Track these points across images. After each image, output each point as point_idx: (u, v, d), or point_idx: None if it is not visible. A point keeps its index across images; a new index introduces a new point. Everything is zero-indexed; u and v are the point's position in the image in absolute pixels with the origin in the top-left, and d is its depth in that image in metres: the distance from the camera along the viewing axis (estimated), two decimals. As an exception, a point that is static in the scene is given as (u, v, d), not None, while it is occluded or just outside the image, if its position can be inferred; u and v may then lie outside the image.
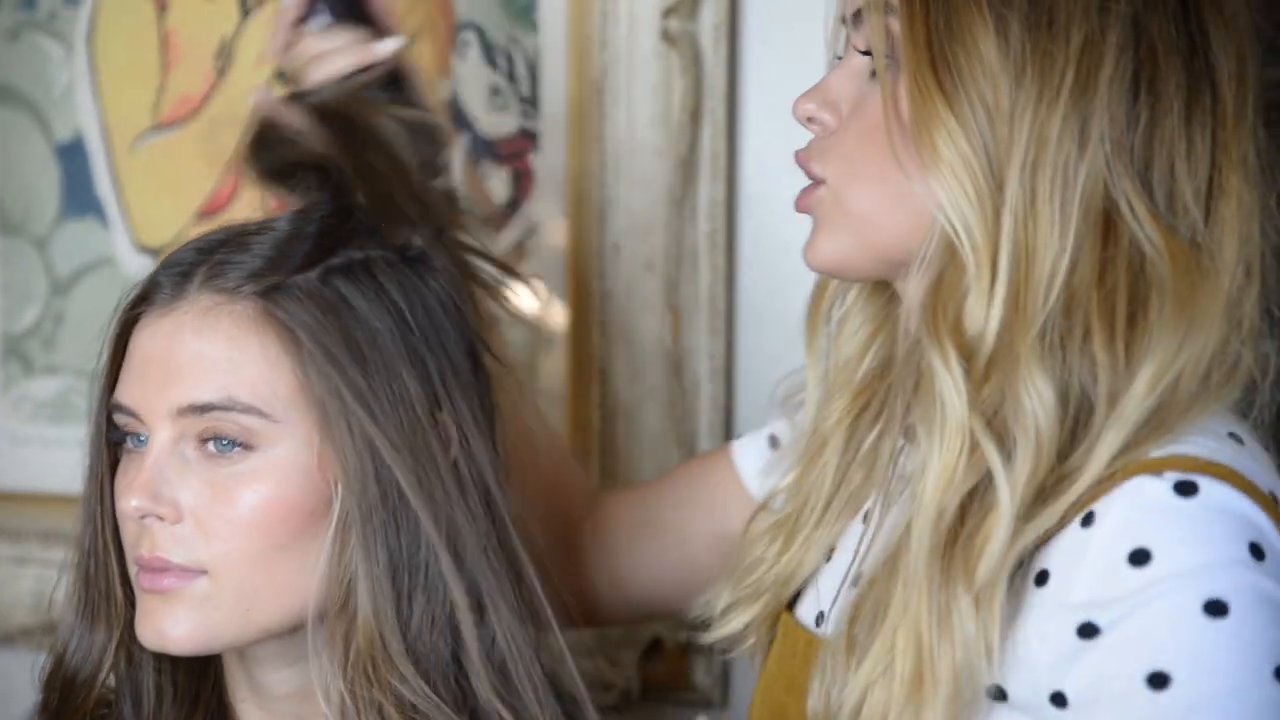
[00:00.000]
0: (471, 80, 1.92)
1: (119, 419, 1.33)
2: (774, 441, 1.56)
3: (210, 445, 1.29)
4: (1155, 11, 1.20)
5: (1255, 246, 1.22)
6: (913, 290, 1.28)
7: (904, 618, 1.20)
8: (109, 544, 1.35)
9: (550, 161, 1.90)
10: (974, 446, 1.19)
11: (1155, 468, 1.17)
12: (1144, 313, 1.19)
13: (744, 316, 1.86)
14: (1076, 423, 1.19)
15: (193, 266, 1.32)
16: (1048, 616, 1.18)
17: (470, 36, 1.91)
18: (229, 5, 1.98)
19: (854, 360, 1.40)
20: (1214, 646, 1.13)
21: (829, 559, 1.39)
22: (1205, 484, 1.16)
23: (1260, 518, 1.16)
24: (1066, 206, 1.18)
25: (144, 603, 1.31)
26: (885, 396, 1.36)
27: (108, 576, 1.35)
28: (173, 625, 1.30)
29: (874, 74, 1.26)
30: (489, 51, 1.91)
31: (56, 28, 2.06)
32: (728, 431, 1.86)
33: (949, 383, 1.19)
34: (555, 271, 1.91)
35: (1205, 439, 1.19)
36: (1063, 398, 1.18)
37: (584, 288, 1.88)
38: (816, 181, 1.30)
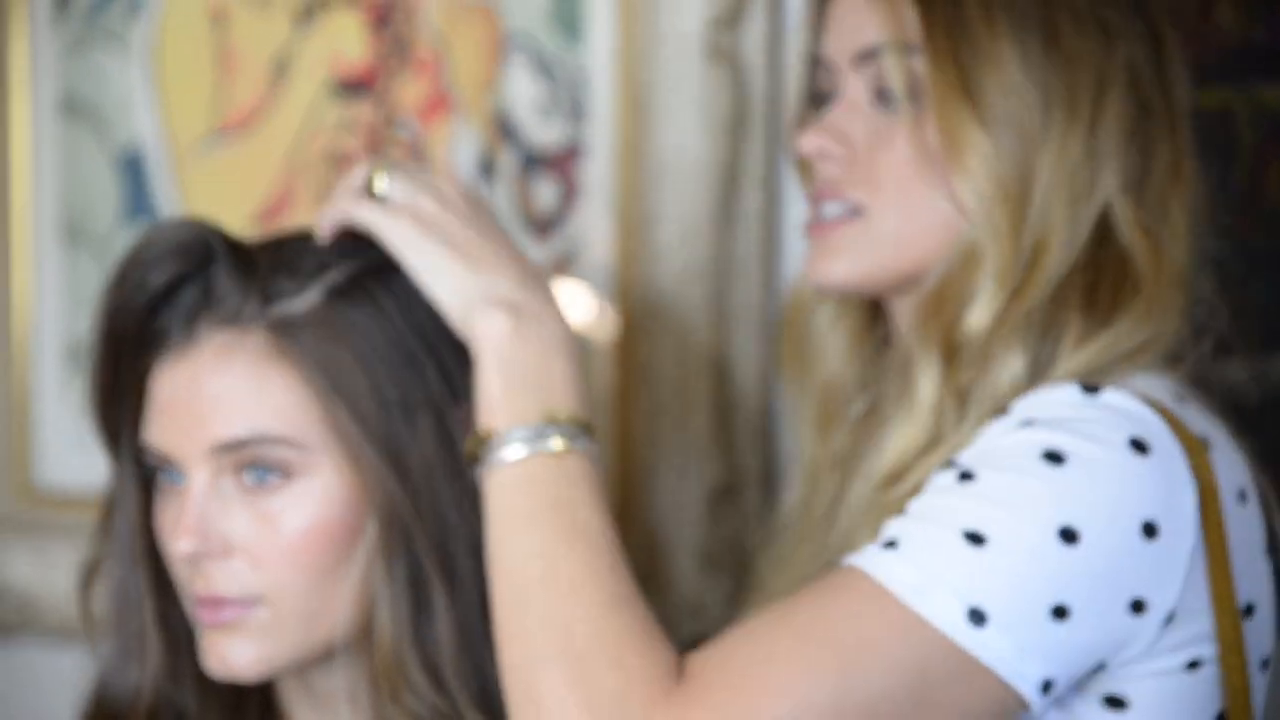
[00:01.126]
0: (519, 92, 1.94)
1: (149, 459, 1.35)
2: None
3: (246, 476, 1.31)
4: (1142, 47, 1.34)
5: (1191, 247, 1.36)
6: (914, 298, 1.36)
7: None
8: (144, 584, 1.38)
9: (597, 173, 1.92)
10: (938, 420, 1.30)
11: (1069, 378, 1.28)
12: (1122, 304, 1.31)
13: (787, 325, 1.87)
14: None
15: (197, 306, 1.33)
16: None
17: (518, 49, 1.94)
18: (282, 19, 2.01)
19: (839, 376, 1.47)
20: (1025, 480, 1.21)
21: None
22: (1109, 390, 1.26)
23: (1161, 429, 1.24)
24: (1078, 217, 1.31)
25: (206, 636, 1.34)
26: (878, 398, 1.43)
27: (141, 618, 1.38)
28: (238, 656, 1.32)
29: (884, 111, 1.35)
30: (537, 64, 1.93)
31: (118, 38, 2.10)
32: (772, 438, 1.88)
33: (927, 373, 1.31)
34: (601, 281, 1.92)
35: (1139, 381, 1.29)
36: (1030, 368, 1.30)
37: (630, 297, 1.89)
38: (849, 209, 1.36)
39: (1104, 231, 1.32)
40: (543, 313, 1.30)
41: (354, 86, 1.99)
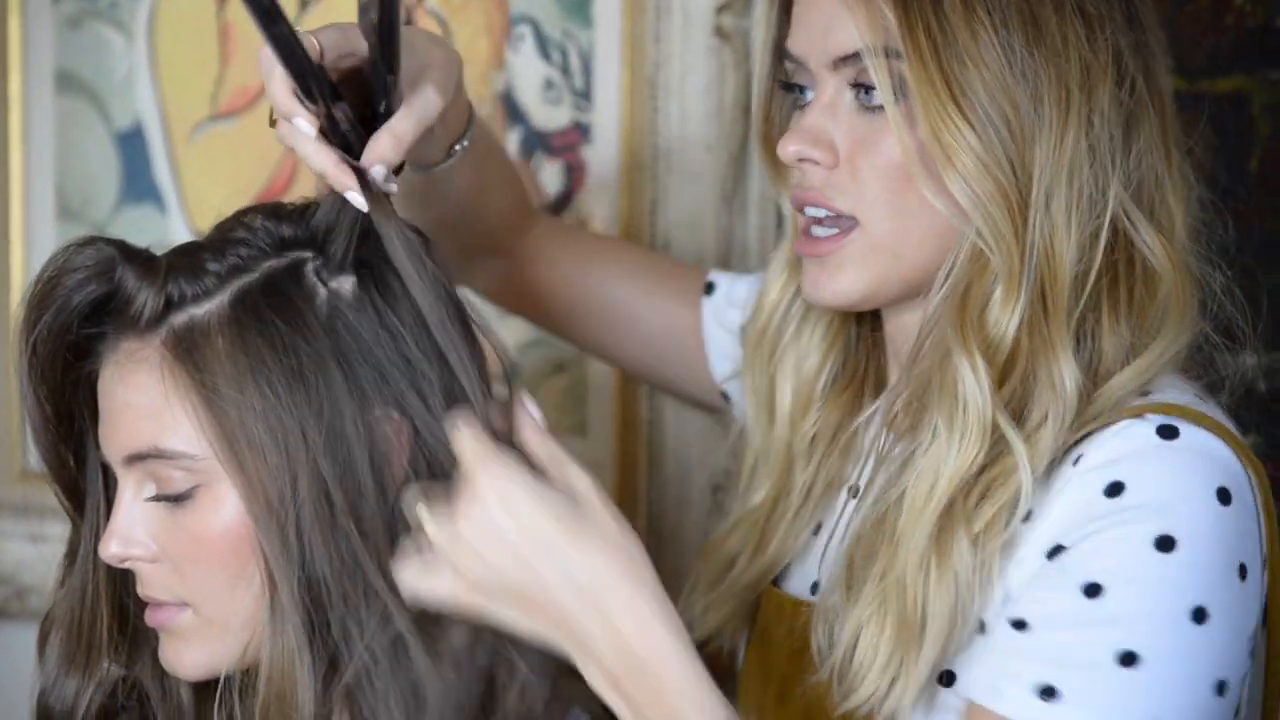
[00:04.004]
0: (525, 73, 1.93)
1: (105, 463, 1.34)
2: (744, 334, 1.60)
3: (160, 485, 1.29)
4: (1125, 39, 1.32)
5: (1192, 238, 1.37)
6: (933, 305, 1.34)
7: (892, 568, 1.30)
8: (102, 588, 1.36)
9: (602, 155, 1.91)
10: (994, 434, 1.29)
11: (1139, 412, 1.28)
12: (1145, 305, 1.32)
13: (792, 310, 1.86)
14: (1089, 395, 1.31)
15: (119, 312, 1.29)
16: (1028, 547, 1.28)
17: (525, 30, 1.92)
18: (287, -2, 2.00)
19: (812, 378, 1.49)
20: (1149, 577, 1.24)
21: (816, 533, 1.47)
22: (1185, 428, 1.27)
23: (1233, 462, 1.28)
24: (1079, 214, 1.30)
25: (160, 636, 1.33)
26: (859, 400, 1.47)
27: (95, 622, 1.36)
28: (179, 657, 1.32)
29: (864, 109, 1.34)
30: (543, 45, 1.92)
31: (118, 17, 2.08)
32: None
33: (974, 385, 1.29)
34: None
35: (1181, 393, 1.32)
36: (1086, 375, 1.30)
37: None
38: (841, 219, 1.36)
39: (1115, 229, 1.31)
40: (641, 650, 1.21)
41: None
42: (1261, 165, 1.66)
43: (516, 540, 1.20)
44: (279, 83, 1.27)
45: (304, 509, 1.25)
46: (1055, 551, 1.27)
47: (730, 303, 1.62)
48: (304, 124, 1.26)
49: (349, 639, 1.26)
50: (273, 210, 1.31)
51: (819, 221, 1.36)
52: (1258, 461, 1.31)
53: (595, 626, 1.20)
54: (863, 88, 1.34)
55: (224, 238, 1.30)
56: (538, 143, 1.93)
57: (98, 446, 1.33)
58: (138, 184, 2.09)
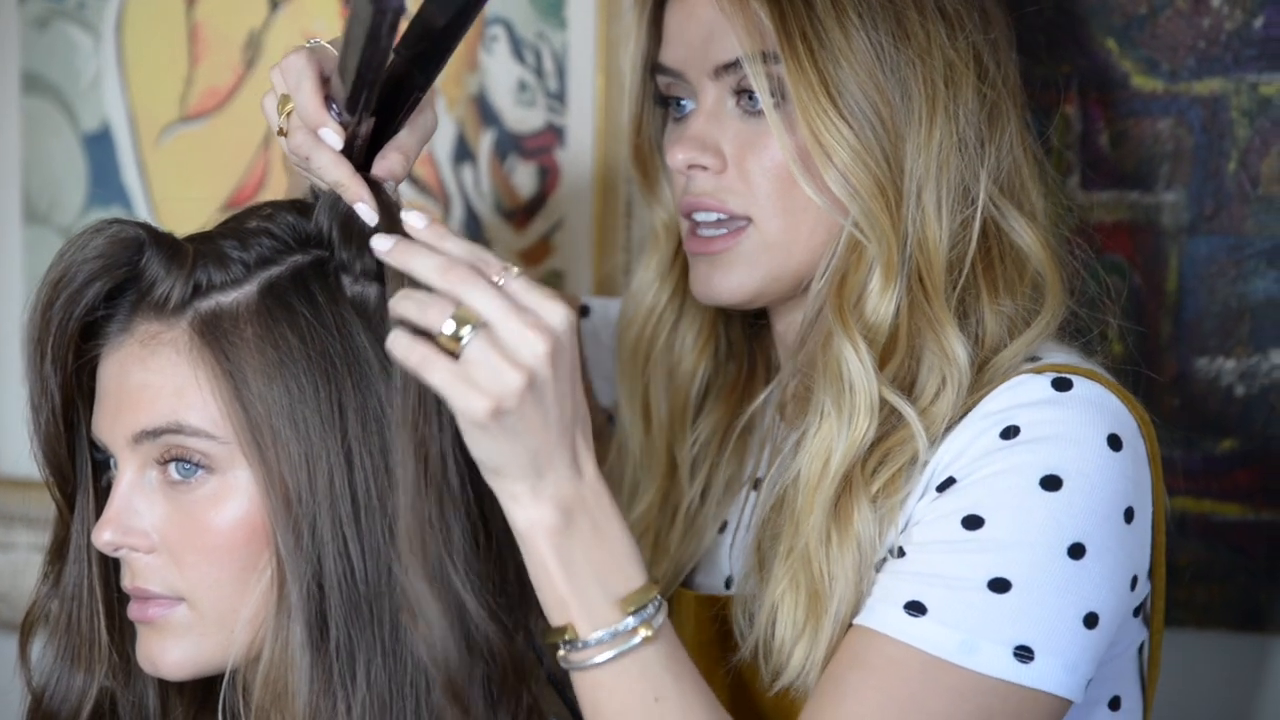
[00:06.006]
0: (499, 75, 1.92)
1: (96, 454, 1.33)
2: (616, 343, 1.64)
3: (173, 470, 1.28)
4: (982, 37, 1.40)
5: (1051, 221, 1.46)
6: (814, 293, 1.41)
7: (795, 545, 1.36)
8: (95, 582, 1.34)
9: (577, 157, 1.90)
10: (885, 410, 1.35)
11: (1036, 370, 1.35)
12: (1020, 282, 1.39)
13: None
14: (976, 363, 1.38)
15: (134, 298, 1.29)
16: (922, 484, 1.35)
17: (499, 31, 1.91)
18: (257, -2, 1.99)
19: (686, 383, 1.55)
20: (1031, 510, 1.29)
21: (723, 531, 1.53)
22: (1079, 381, 1.34)
23: (1125, 413, 1.35)
24: (949, 204, 1.37)
25: (140, 634, 1.31)
26: (747, 402, 1.52)
27: (92, 617, 1.35)
28: (162, 654, 1.30)
29: (747, 114, 1.41)
30: (517, 47, 1.91)
31: (85, 17, 2.06)
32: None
33: (858, 366, 1.36)
34: (581, 266, 1.91)
35: (1067, 356, 1.39)
36: (973, 345, 1.37)
37: (609, 282, 1.88)
38: (736, 220, 1.41)
39: (985, 217, 1.39)
40: (590, 495, 1.24)
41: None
42: (1239, 169, 1.67)
43: (567, 371, 1.20)
44: (311, 94, 1.27)
45: (321, 506, 1.25)
46: (946, 484, 1.33)
47: (606, 323, 1.67)
48: (332, 136, 1.27)
49: (353, 641, 1.25)
50: (294, 206, 1.32)
51: (709, 225, 1.43)
52: (1148, 418, 1.38)
53: (570, 464, 1.22)
54: (745, 94, 1.41)
55: (244, 228, 1.30)
56: (511, 145, 1.92)
57: (89, 434, 1.31)
58: (106, 186, 2.07)
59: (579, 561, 1.23)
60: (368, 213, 1.26)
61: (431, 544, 1.22)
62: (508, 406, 1.17)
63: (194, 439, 1.26)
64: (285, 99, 1.30)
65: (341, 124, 1.27)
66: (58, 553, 1.37)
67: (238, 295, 1.27)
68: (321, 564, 1.25)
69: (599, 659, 1.24)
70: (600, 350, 1.67)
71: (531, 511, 1.22)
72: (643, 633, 1.24)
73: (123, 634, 1.36)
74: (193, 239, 1.31)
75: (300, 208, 1.31)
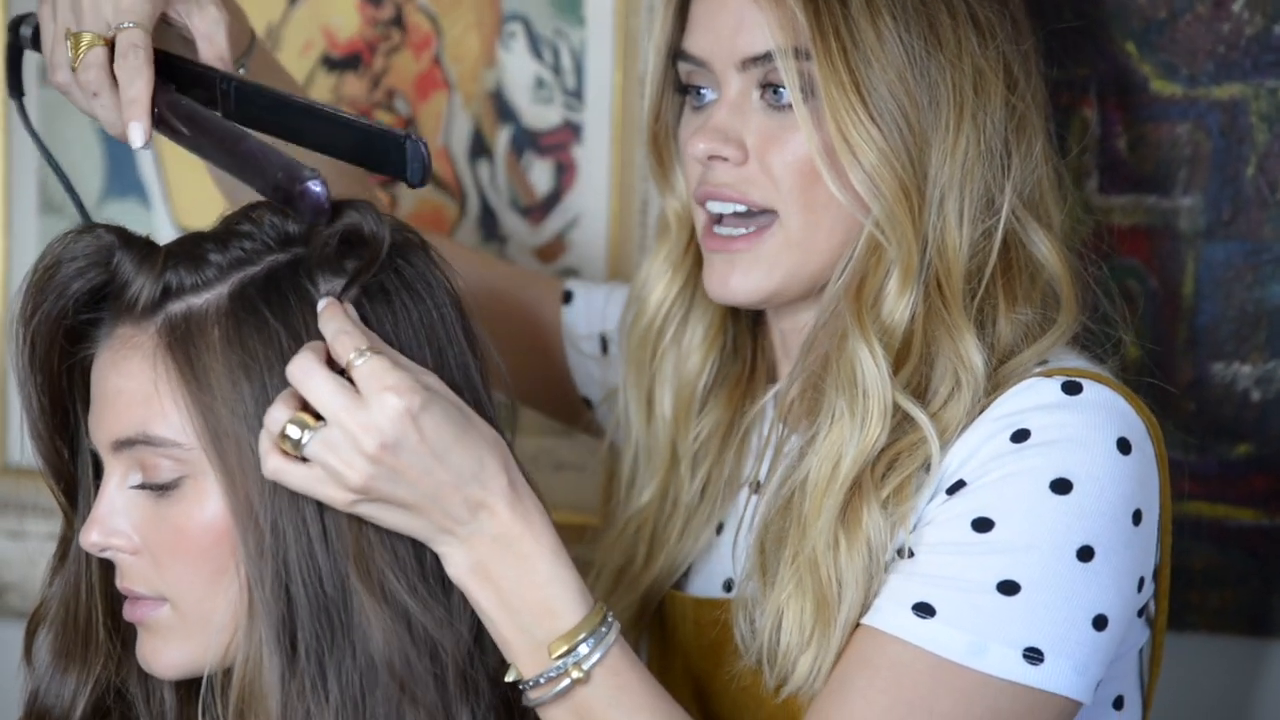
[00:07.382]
0: (516, 72, 1.92)
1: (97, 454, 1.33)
2: (604, 343, 1.66)
3: (146, 474, 1.28)
4: (1013, 49, 1.41)
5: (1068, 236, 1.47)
6: (830, 294, 1.41)
7: (802, 549, 1.36)
8: (95, 581, 1.35)
9: (593, 154, 1.90)
10: (897, 415, 1.35)
11: (1045, 374, 1.36)
12: (1036, 294, 1.40)
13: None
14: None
15: (111, 303, 1.29)
16: (933, 486, 1.35)
17: (516, 28, 1.91)
18: (275, -9, 1.99)
19: (692, 379, 1.53)
20: (1041, 514, 1.30)
21: (719, 532, 1.53)
22: (1088, 384, 1.35)
23: (1134, 416, 1.35)
24: (971, 213, 1.38)
25: (138, 632, 1.32)
26: (748, 400, 1.52)
27: (90, 616, 1.35)
28: (154, 654, 1.31)
29: (771, 108, 1.40)
30: (535, 43, 1.91)
31: (103, 9, 2.06)
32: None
33: (873, 370, 1.36)
34: (596, 263, 1.91)
35: (1077, 361, 1.39)
36: (989, 352, 1.37)
37: (625, 279, 1.87)
38: (753, 216, 1.41)
39: (1007, 229, 1.39)
40: (510, 535, 1.25)
41: (347, 63, 1.97)
42: (1257, 174, 1.67)
43: (417, 449, 1.22)
44: (144, 89, 1.35)
45: (284, 510, 1.24)
46: (956, 487, 1.34)
47: (589, 310, 1.67)
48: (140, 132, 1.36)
49: (321, 644, 1.25)
50: (280, 207, 1.30)
51: (722, 218, 1.42)
52: (1155, 421, 1.38)
53: (474, 515, 1.24)
54: (770, 87, 1.40)
55: (229, 230, 1.30)
56: (528, 141, 1.92)
57: (88, 435, 1.32)
58: (122, 178, 2.07)
59: (512, 604, 1.26)
60: (138, 131, 1.33)
61: (374, 565, 1.25)
62: (371, 488, 1.21)
63: (161, 449, 1.26)
64: (78, 37, 1.34)
65: None
66: (61, 554, 1.38)
67: (209, 297, 1.26)
68: (287, 568, 1.24)
69: (545, 697, 1.28)
70: (581, 339, 1.67)
71: (456, 561, 1.26)
72: (573, 675, 1.26)
73: (125, 635, 1.36)
74: (175, 241, 1.30)
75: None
